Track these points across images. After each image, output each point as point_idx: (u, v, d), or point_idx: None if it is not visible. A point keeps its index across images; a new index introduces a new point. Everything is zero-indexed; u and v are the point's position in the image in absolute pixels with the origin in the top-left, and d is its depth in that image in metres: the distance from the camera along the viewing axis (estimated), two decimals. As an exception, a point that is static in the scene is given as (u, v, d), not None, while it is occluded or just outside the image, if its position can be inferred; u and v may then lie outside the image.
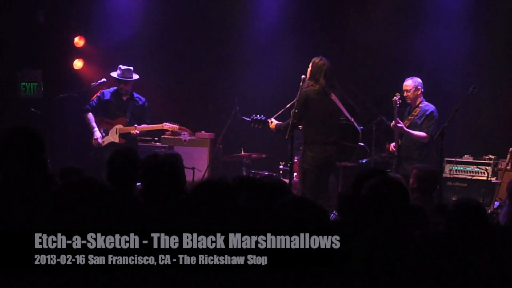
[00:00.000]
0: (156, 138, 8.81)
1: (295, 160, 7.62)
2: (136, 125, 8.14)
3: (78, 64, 9.40)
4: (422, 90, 7.61)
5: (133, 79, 8.24)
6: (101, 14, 9.35)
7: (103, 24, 9.37)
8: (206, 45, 9.69)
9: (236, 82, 9.43)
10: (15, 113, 8.93)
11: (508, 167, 7.60)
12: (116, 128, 8.15)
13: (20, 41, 9.18)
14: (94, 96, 8.31)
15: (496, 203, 7.29)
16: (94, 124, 8.17)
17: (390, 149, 7.68)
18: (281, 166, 8.35)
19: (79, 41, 9.37)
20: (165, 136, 8.80)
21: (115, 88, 8.29)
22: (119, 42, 9.40)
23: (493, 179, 7.86)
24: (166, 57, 9.71)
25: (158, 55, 9.67)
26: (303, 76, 6.90)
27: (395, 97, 7.34)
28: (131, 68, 8.26)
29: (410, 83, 7.57)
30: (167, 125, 8.17)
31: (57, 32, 9.20)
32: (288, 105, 7.06)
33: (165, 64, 9.74)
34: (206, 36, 9.68)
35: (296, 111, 6.72)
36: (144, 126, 8.17)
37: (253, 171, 8.46)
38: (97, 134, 8.12)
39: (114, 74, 8.24)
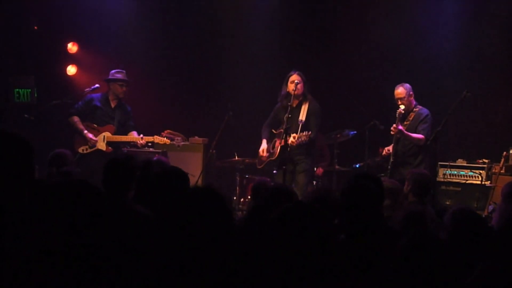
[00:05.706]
0: (150, 144, 8.77)
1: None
2: (136, 132, 8.07)
3: (71, 70, 9.38)
4: (413, 94, 7.63)
5: (128, 80, 8.20)
6: (94, 20, 9.32)
7: (96, 30, 9.35)
8: (199, 50, 9.70)
9: (229, 87, 9.42)
10: (8, 119, 8.89)
11: (502, 171, 7.59)
12: (104, 136, 8.02)
13: (13, 47, 9.15)
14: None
15: (490, 207, 7.26)
16: (82, 126, 7.98)
17: (384, 153, 7.66)
18: (274, 172, 8.32)
19: (72, 47, 9.35)
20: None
21: (103, 93, 8.21)
22: (112, 48, 9.40)
23: (487, 183, 7.85)
24: (159, 62, 9.71)
25: (151, 60, 9.66)
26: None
27: (399, 109, 7.36)
28: (123, 71, 8.24)
29: (402, 90, 7.56)
30: (157, 138, 8.05)
31: (50, 38, 9.17)
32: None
33: (158, 70, 9.74)
34: (199, 41, 9.68)
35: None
36: (146, 137, 8.01)
37: (246, 176, 8.44)
38: (90, 134, 7.97)
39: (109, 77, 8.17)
